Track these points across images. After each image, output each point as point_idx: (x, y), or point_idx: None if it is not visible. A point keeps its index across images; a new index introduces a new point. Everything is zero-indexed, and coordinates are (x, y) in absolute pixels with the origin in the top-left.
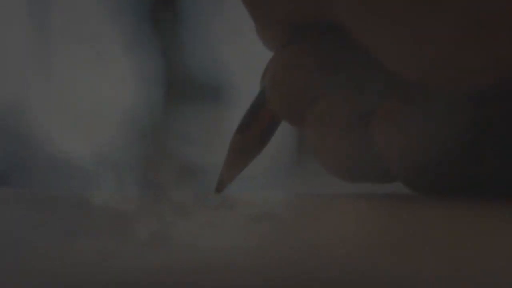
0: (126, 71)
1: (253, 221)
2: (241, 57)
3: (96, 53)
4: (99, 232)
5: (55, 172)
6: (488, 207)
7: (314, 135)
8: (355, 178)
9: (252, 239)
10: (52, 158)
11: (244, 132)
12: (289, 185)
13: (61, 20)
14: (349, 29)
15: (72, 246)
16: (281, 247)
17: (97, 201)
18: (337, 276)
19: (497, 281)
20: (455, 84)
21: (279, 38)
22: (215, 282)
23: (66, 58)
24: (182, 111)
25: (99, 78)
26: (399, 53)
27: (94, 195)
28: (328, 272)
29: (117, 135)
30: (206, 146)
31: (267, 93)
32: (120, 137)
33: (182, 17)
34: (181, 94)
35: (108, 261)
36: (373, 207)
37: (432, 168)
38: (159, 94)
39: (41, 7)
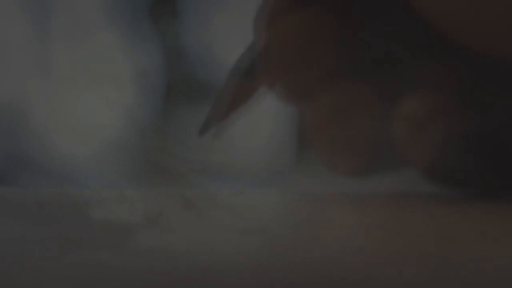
0: (126, 71)
1: (251, 220)
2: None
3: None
4: (97, 239)
5: (55, 172)
6: (493, 208)
7: (323, 121)
8: (364, 172)
9: (250, 240)
10: (52, 158)
11: (238, 78)
12: (288, 184)
13: (60, 20)
14: None
15: (70, 256)
16: (281, 247)
17: (97, 201)
18: (337, 276)
19: (495, 280)
20: None
21: None
22: (215, 286)
23: (65, 58)
24: (182, 111)
25: (98, 78)
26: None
27: (93, 195)
28: (327, 272)
29: (117, 135)
30: (206, 146)
31: (266, 56)
32: (120, 137)
33: (182, 17)
34: (181, 94)
35: (108, 263)
36: (373, 207)
37: (456, 163)
38: (159, 94)
39: (41, 7)
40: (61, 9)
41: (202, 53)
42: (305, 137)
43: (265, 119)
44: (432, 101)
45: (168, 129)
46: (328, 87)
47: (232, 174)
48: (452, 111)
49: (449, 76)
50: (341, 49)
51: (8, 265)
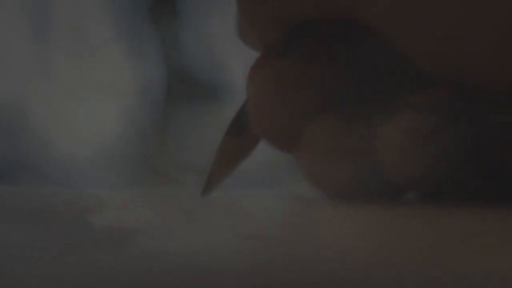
0: (126, 71)
1: (251, 221)
2: (241, 57)
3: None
4: (97, 242)
5: (54, 172)
6: (489, 211)
7: (308, 160)
8: (358, 199)
9: (249, 242)
10: (52, 158)
11: (235, 135)
12: (287, 186)
13: (61, 20)
14: (379, 26)
15: (68, 260)
16: (279, 249)
17: (96, 202)
18: (335, 278)
19: (494, 283)
20: (494, 81)
21: (270, 38)
22: (214, 282)
23: (65, 58)
24: (182, 111)
25: (99, 78)
26: (437, 49)
27: (93, 196)
28: (325, 274)
29: (117, 135)
30: (206, 146)
31: (250, 110)
32: (120, 138)
33: (182, 17)
34: (181, 94)
35: (107, 265)
36: (371, 209)
37: (446, 181)
38: (159, 94)
39: (41, 6)
40: (61, 9)
41: (202, 54)
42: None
43: None
44: (420, 122)
45: (167, 130)
46: (311, 127)
47: (231, 175)
48: (441, 130)
49: (435, 98)
50: (319, 90)
51: (8, 264)
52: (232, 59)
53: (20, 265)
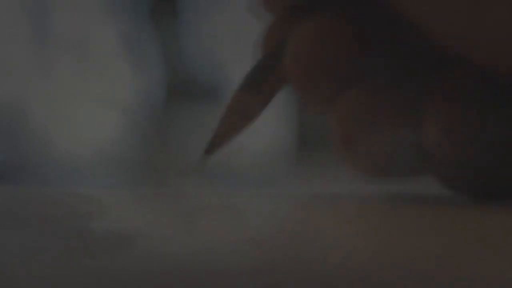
0: (126, 71)
1: (251, 221)
2: (241, 57)
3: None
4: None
5: (54, 172)
6: (497, 211)
7: (345, 125)
8: (388, 173)
9: (250, 239)
10: (52, 158)
11: (249, 92)
12: (288, 184)
13: (60, 20)
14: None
15: (68, 264)
16: (280, 248)
17: (95, 202)
18: (336, 277)
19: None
20: None
21: (290, 1)
22: (214, 283)
23: (65, 58)
24: (182, 111)
25: (98, 78)
26: (464, 33)
27: (92, 196)
28: (326, 274)
29: (117, 135)
30: (206, 146)
31: (287, 66)
32: (120, 137)
33: (182, 17)
34: (181, 94)
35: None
36: (374, 208)
37: (482, 168)
38: (159, 94)
39: (41, 7)
40: (61, 9)
41: (202, 54)
42: (333, 142)
43: (265, 119)
44: (454, 107)
45: (167, 130)
46: (349, 93)
47: (231, 174)
48: (471, 117)
49: (466, 82)
50: (358, 57)
51: (8, 265)
52: (232, 59)
53: (20, 265)
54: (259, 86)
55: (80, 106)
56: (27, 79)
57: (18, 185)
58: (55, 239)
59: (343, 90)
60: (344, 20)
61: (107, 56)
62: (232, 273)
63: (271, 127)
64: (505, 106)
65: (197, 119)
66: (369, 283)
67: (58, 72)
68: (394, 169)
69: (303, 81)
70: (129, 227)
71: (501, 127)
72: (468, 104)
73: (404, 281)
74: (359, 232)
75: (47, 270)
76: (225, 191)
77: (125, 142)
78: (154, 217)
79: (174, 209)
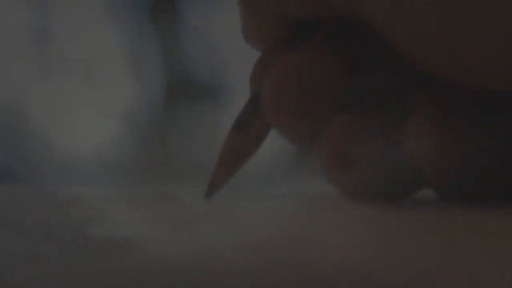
0: (126, 71)
1: (251, 221)
2: (241, 57)
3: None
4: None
5: (54, 172)
6: (496, 211)
7: (334, 150)
8: (379, 195)
9: (250, 239)
10: (52, 158)
11: (242, 132)
12: (287, 185)
13: (61, 20)
14: (377, 24)
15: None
16: (280, 248)
17: (95, 202)
18: (335, 278)
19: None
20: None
21: (275, 35)
22: (215, 285)
23: (65, 58)
24: (182, 111)
25: (98, 78)
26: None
27: (92, 196)
28: (326, 274)
29: (117, 135)
30: (206, 146)
31: (266, 103)
32: (120, 137)
33: (182, 17)
34: (181, 94)
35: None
36: (374, 208)
37: (472, 179)
38: (159, 94)
39: (41, 7)
40: (62, 9)
41: (202, 54)
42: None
43: None
44: (436, 120)
45: (167, 130)
46: (335, 120)
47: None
48: (455, 128)
49: (448, 97)
50: (343, 85)
51: (8, 265)
52: (232, 59)
53: (20, 265)
54: (248, 128)
55: (80, 107)
56: (28, 80)
57: (18, 185)
58: (54, 241)
59: (323, 122)
60: (329, 49)
61: (108, 56)
62: (232, 274)
63: None
64: (493, 112)
65: (197, 119)
66: (369, 284)
67: (58, 72)
68: (386, 189)
69: (279, 117)
70: (129, 229)
71: (489, 134)
72: (454, 113)
73: (404, 282)
74: (359, 233)
75: (46, 271)
76: (225, 191)
77: (125, 142)
78: (154, 217)
79: (173, 209)
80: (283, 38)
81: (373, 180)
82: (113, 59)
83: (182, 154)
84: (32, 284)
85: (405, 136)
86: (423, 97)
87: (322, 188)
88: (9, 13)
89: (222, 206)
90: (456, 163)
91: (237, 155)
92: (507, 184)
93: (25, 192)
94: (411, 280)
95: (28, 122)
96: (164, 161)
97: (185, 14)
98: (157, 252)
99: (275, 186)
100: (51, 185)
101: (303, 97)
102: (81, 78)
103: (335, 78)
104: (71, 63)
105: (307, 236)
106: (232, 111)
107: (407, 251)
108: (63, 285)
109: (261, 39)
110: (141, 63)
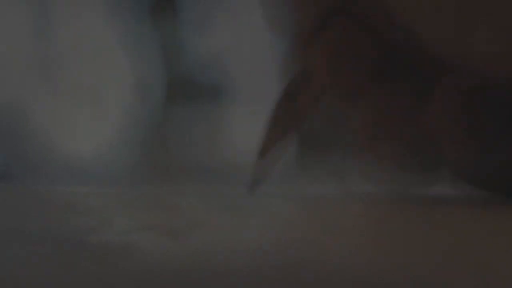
0: (126, 71)
1: (252, 221)
2: (241, 57)
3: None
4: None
5: (55, 172)
6: (502, 210)
7: (367, 122)
8: (410, 165)
9: (251, 240)
10: (52, 157)
11: (290, 99)
12: (289, 186)
13: (61, 19)
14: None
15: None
16: (281, 249)
17: (95, 202)
18: (338, 278)
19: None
20: None
21: (312, 20)
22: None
23: (66, 58)
24: (182, 111)
25: (98, 77)
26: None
27: (92, 196)
28: (329, 275)
29: (117, 135)
30: (206, 146)
31: (320, 66)
32: (120, 138)
33: (182, 16)
34: (181, 94)
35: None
36: (376, 209)
37: (490, 163)
38: (159, 94)
39: (41, 6)
40: (62, 9)
41: (202, 54)
42: (354, 135)
43: (265, 119)
44: (458, 98)
45: (167, 130)
46: (371, 88)
47: (232, 174)
48: (475, 111)
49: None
50: (373, 55)
51: (7, 265)
52: (232, 59)
53: (20, 264)
54: (299, 95)
55: (80, 106)
56: (27, 79)
57: (18, 185)
58: (54, 242)
59: (363, 86)
60: (355, 26)
61: (108, 56)
62: (233, 274)
63: None
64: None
65: (197, 119)
66: (369, 284)
67: (59, 72)
68: (414, 161)
69: (333, 75)
70: (127, 232)
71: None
72: (473, 95)
73: (408, 283)
74: (362, 233)
75: (45, 272)
76: (225, 191)
77: (125, 142)
78: (154, 217)
79: (174, 209)
80: (317, 22)
81: (399, 151)
82: (113, 58)
83: (182, 154)
84: (32, 285)
85: (428, 113)
86: (446, 80)
87: (323, 189)
88: (9, 13)
89: (222, 207)
90: (475, 146)
91: (287, 124)
92: None
93: (25, 192)
94: (411, 280)
95: (28, 122)
96: (164, 161)
97: (185, 14)
98: (157, 250)
99: (276, 186)
100: (51, 185)
101: (348, 60)
102: (81, 78)
103: (366, 49)
104: (71, 63)
105: (307, 236)
106: (233, 111)
107: (407, 251)
108: (63, 285)
109: (298, 25)
110: (141, 62)
